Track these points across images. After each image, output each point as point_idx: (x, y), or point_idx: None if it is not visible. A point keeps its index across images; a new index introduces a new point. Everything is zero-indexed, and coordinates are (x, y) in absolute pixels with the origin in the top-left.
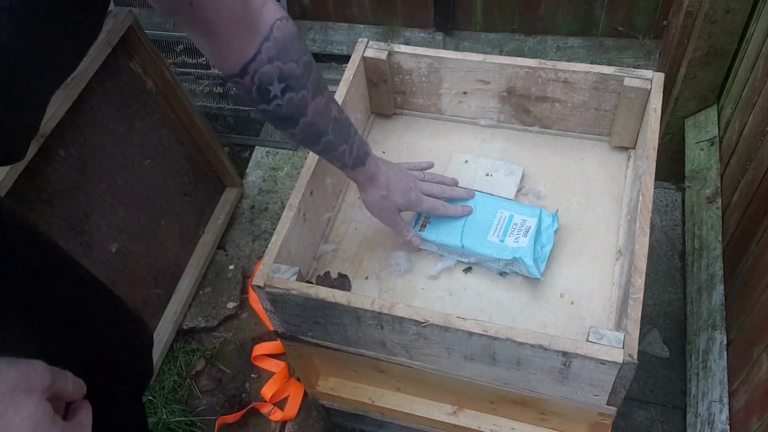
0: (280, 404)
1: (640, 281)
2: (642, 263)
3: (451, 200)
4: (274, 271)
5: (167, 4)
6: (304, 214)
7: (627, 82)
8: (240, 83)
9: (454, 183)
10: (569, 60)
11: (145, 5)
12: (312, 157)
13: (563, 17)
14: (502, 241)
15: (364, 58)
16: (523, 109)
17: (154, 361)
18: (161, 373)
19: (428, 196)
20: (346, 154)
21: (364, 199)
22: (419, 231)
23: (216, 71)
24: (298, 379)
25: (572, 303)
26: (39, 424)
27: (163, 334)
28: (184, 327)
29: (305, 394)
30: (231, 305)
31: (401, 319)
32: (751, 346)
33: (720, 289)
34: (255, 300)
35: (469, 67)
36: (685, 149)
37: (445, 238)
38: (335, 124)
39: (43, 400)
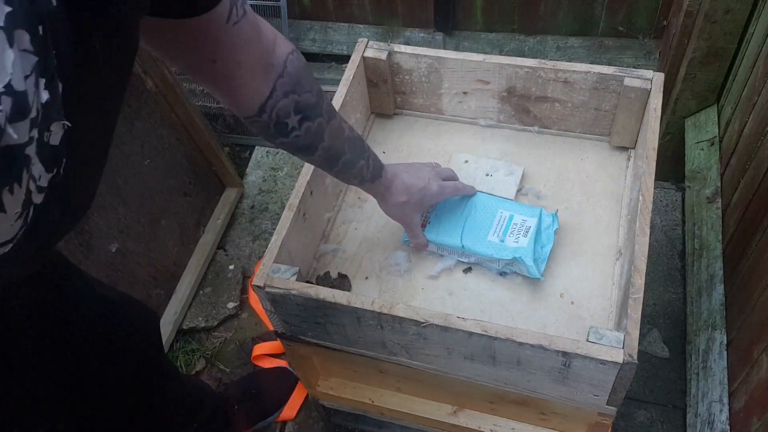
0: None
1: (640, 281)
2: (642, 263)
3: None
4: (274, 271)
5: (190, 65)
6: (304, 214)
7: (627, 82)
8: (257, 122)
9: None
10: (569, 60)
11: None
12: None
13: (563, 17)
14: (502, 241)
15: (364, 58)
16: (523, 109)
17: None
18: None
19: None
20: (365, 169)
21: (385, 209)
22: None
23: None
24: (298, 379)
25: (572, 303)
26: None
27: (163, 334)
28: (184, 327)
29: (305, 394)
30: (231, 305)
31: (401, 319)
32: (751, 346)
33: (720, 289)
34: (255, 300)
35: (469, 67)
36: (685, 149)
37: (445, 238)
38: (350, 142)
39: None
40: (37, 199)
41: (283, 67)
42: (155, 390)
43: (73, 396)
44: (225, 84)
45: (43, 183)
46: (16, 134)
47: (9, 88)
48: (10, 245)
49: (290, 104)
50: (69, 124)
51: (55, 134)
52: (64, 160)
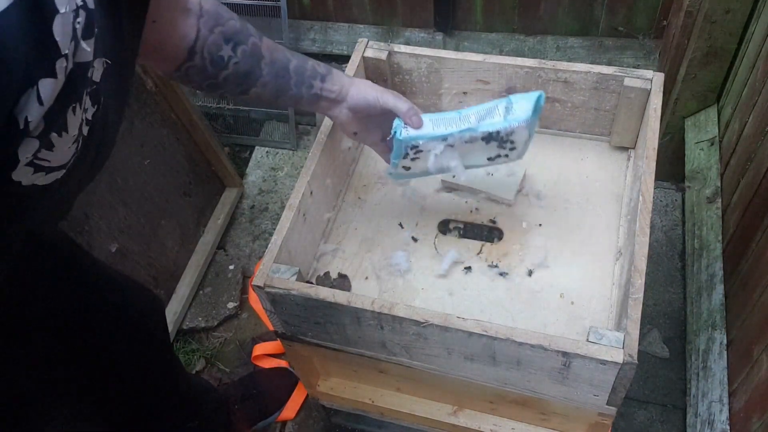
0: None
1: (640, 281)
2: (642, 263)
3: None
4: (274, 271)
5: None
6: (304, 214)
7: (627, 82)
8: (192, 67)
9: None
10: (569, 60)
11: None
12: (312, 158)
13: (563, 17)
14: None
15: (364, 58)
16: None
17: None
18: None
19: None
20: (317, 66)
21: (357, 92)
22: (410, 161)
23: None
24: (298, 379)
25: (572, 303)
26: None
27: None
28: (184, 327)
29: (305, 394)
30: (231, 305)
31: (401, 319)
32: (751, 346)
33: (720, 289)
34: (255, 300)
35: (469, 67)
36: (685, 149)
37: (439, 114)
38: (289, 52)
39: None
40: (85, 130)
41: (199, 7)
42: (161, 376)
43: (82, 381)
44: (156, 41)
45: (89, 116)
46: (88, 48)
47: (84, 4)
48: (64, 171)
49: (218, 37)
50: (109, 62)
51: (97, 71)
52: (101, 98)
